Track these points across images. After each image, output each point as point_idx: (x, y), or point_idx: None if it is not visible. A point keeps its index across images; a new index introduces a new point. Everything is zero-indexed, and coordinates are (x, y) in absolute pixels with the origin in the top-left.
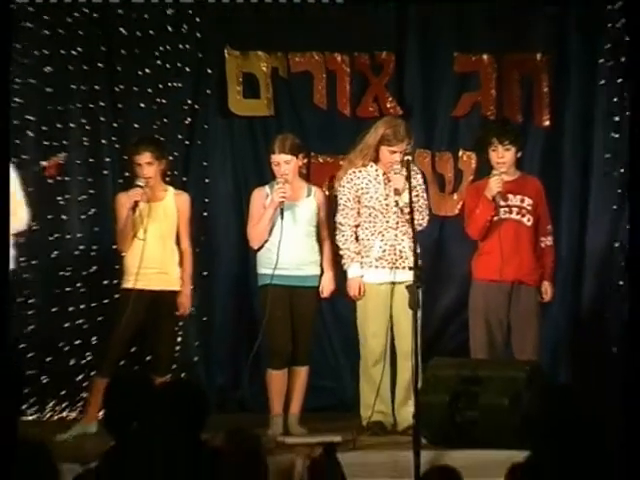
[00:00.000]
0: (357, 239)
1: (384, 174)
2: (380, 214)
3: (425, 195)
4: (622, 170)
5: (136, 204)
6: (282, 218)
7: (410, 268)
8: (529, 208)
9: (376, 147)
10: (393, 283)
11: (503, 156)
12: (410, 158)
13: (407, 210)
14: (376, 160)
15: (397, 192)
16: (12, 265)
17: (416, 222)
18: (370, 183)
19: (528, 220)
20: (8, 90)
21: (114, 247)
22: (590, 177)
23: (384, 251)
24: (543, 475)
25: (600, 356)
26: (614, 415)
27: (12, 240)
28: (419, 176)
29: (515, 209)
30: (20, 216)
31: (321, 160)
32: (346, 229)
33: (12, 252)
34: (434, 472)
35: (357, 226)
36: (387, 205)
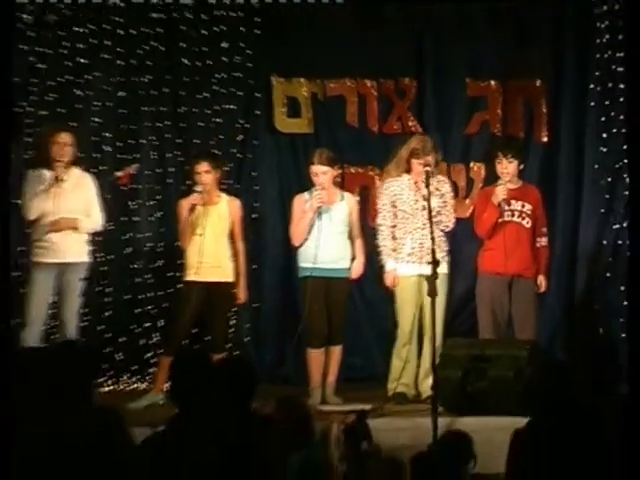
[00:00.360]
0: (394, 238)
1: (415, 182)
2: (411, 216)
3: (452, 201)
4: (609, 179)
5: (194, 207)
6: (320, 220)
7: (429, 263)
8: (529, 213)
9: (408, 160)
10: (421, 276)
11: (507, 168)
12: (429, 169)
13: (433, 213)
14: (408, 171)
15: (425, 198)
16: (89, 259)
17: (443, 224)
18: (403, 190)
19: (527, 223)
20: (9, 91)
21: (177, 244)
22: (582, 185)
23: (413, 248)
24: (542, 438)
25: (590, 337)
26: (601, 385)
27: (89, 238)
28: (447, 185)
29: (517, 213)
30: (95, 218)
31: (352, 170)
32: (384, 229)
33: (89, 248)
34: (449, 435)
35: (394, 227)
36: (417, 209)
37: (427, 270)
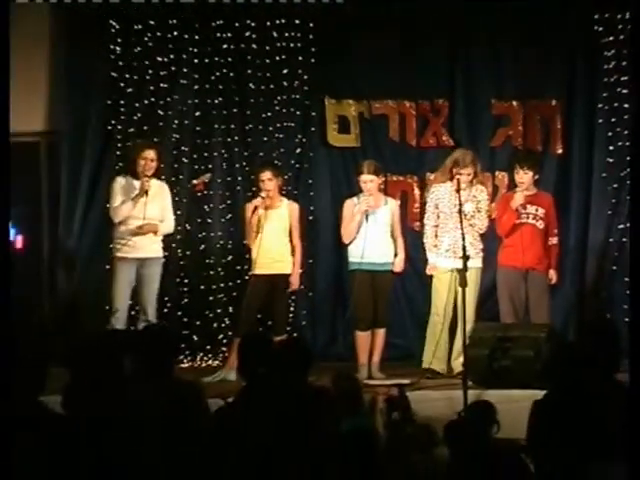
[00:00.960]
0: (435, 236)
1: (455, 190)
2: (450, 218)
3: (487, 208)
4: (615, 186)
5: (256, 209)
6: (366, 221)
7: (460, 257)
8: (542, 216)
9: (451, 169)
10: (455, 269)
11: (522, 178)
12: (462, 177)
13: (468, 217)
14: (451, 178)
15: (460, 203)
16: (163, 255)
17: (477, 227)
18: (445, 195)
19: (540, 224)
20: (8, 94)
21: (244, 242)
22: (591, 190)
23: (450, 245)
24: (557, 408)
25: (598, 321)
26: (609, 364)
27: (162, 238)
28: (484, 193)
29: (532, 216)
30: (169, 224)
31: (394, 179)
32: (428, 228)
33: (161, 245)
34: (476, 404)
35: (436, 226)
36: (454, 212)
37: (461, 264)
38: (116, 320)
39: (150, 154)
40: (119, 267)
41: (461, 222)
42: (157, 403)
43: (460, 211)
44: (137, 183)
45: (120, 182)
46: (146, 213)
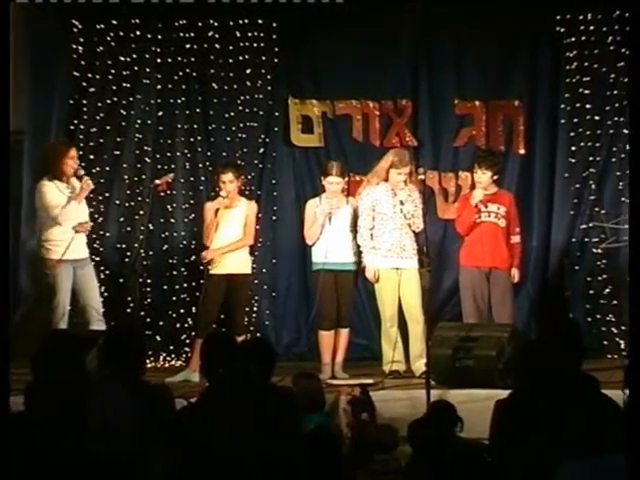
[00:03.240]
0: (372, 237)
1: (392, 190)
2: (389, 219)
3: (421, 207)
4: (577, 186)
5: (218, 210)
6: (329, 223)
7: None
8: (503, 214)
9: (387, 170)
10: (398, 268)
11: (481, 177)
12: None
13: (408, 216)
14: (387, 179)
15: (401, 203)
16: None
17: (415, 226)
18: (383, 196)
19: (502, 223)
20: (8, 93)
21: (203, 242)
22: (554, 190)
23: (392, 244)
24: (520, 406)
25: (561, 320)
26: (572, 363)
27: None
28: (416, 193)
29: (493, 214)
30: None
31: (357, 178)
32: (364, 230)
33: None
34: (436, 404)
35: (372, 228)
36: (394, 212)
37: (402, 264)
38: (62, 321)
39: (74, 153)
40: (59, 269)
41: (424, 222)
42: (131, 403)
43: (426, 210)
44: (62, 184)
45: (49, 185)
46: (80, 213)
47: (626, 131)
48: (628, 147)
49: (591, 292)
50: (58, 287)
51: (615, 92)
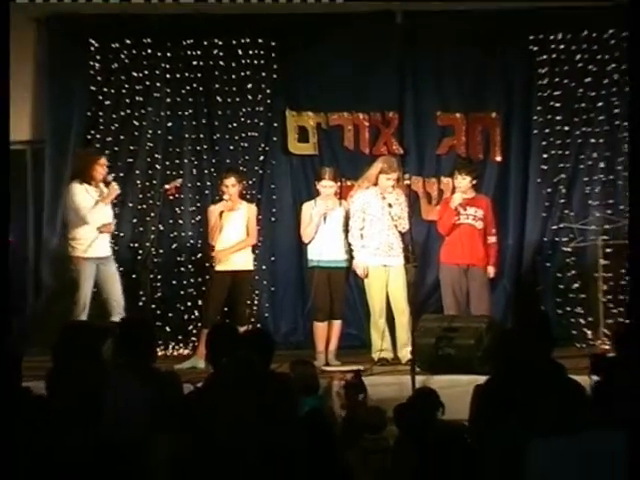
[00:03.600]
0: (362, 237)
1: (381, 194)
2: (378, 220)
3: (407, 209)
4: (548, 190)
5: (222, 213)
6: (324, 223)
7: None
8: (480, 217)
9: (376, 176)
10: (386, 265)
11: (460, 183)
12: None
13: (395, 218)
14: (376, 184)
15: (389, 205)
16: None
17: (401, 227)
18: (372, 199)
19: (479, 225)
20: (8, 96)
21: (209, 242)
22: (527, 194)
23: (380, 243)
24: (497, 391)
25: (532, 312)
26: (543, 350)
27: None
28: (403, 196)
29: (471, 217)
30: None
31: (349, 183)
32: (355, 231)
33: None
34: (420, 391)
35: (362, 228)
36: (382, 214)
37: (390, 261)
38: (83, 314)
39: (104, 161)
40: (83, 265)
41: (409, 223)
42: (143, 391)
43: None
44: (91, 188)
45: (79, 188)
46: (105, 215)
47: (593, 140)
48: (628, 147)
49: (561, 286)
50: (81, 282)
51: (583, 105)
